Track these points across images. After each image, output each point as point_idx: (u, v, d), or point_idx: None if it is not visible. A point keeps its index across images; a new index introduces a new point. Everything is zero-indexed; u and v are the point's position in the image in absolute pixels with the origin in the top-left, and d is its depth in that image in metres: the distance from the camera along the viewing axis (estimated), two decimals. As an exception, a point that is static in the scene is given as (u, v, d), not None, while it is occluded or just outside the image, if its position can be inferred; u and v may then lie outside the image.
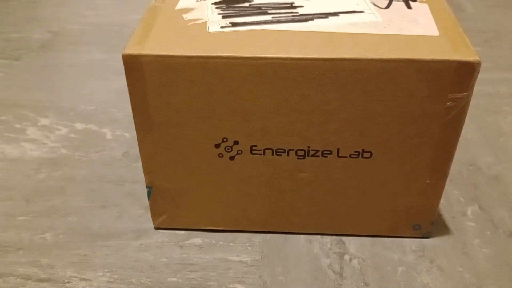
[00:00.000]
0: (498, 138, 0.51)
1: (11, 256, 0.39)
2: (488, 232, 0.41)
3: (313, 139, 0.35)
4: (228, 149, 0.36)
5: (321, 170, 0.36)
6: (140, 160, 0.48)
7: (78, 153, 0.50)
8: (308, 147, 0.35)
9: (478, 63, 0.30)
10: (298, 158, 0.36)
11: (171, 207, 0.40)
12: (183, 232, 0.41)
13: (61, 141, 0.52)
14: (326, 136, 0.34)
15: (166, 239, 0.41)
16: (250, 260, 0.39)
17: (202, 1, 0.37)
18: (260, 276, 0.38)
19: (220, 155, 0.36)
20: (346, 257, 0.39)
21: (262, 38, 0.32)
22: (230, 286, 0.37)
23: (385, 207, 0.38)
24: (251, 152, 0.36)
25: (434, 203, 0.38)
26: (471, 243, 0.40)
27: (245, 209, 0.40)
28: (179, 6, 0.37)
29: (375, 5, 0.36)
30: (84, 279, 0.37)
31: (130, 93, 0.33)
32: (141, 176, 0.47)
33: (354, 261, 0.39)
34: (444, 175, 0.36)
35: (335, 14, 0.35)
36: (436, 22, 0.34)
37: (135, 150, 0.50)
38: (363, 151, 0.35)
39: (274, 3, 0.36)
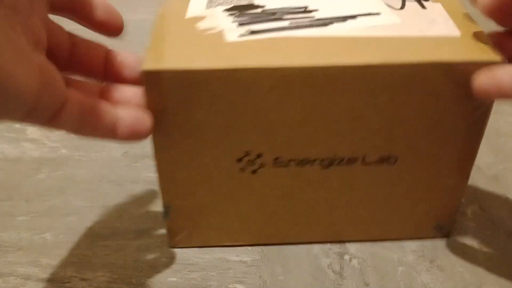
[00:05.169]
0: (498, 138, 0.51)
1: (11, 256, 0.39)
2: (488, 232, 0.41)
3: (339, 147, 0.34)
4: (251, 162, 0.34)
5: (346, 178, 0.36)
6: (140, 160, 0.48)
7: (78, 153, 0.50)
8: (334, 155, 0.34)
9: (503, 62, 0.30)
10: (322, 168, 0.35)
11: (189, 226, 0.38)
12: (183, 232, 0.41)
13: (61, 141, 0.51)
14: (352, 143, 0.34)
15: (166, 239, 0.41)
16: (250, 260, 0.39)
17: (212, 8, 0.35)
18: (260, 276, 0.38)
19: (242, 170, 0.35)
20: (346, 257, 0.39)
21: (285, 46, 0.31)
22: (230, 286, 0.37)
23: (408, 211, 0.38)
24: (274, 165, 0.35)
25: (455, 203, 0.38)
26: (471, 243, 0.40)
27: (266, 223, 0.38)
28: (189, 14, 0.35)
29: (389, 6, 0.35)
30: (84, 279, 0.37)
31: (148, 111, 0.31)
32: (141, 176, 0.47)
33: (354, 261, 0.39)
34: (467, 175, 0.36)
35: (353, 17, 0.34)
36: (454, 22, 0.34)
37: (135, 150, 0.50)
38: (388, 156, 0.34)
39: (287, 8, 0.35)
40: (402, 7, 0.35)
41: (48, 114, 0.24)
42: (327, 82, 0.31)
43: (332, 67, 0.30)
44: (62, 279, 0.37)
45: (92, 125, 0.27)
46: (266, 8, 0.35)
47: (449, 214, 0.38)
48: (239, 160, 0.34)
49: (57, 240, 0.41)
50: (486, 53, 0.31)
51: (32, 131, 0.53)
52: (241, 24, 0.33)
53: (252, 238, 0.40)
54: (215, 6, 0.35)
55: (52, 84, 0.23)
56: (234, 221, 0.38)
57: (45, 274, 0.38)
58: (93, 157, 0.49)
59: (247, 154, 0.34)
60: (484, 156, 0.49)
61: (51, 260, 0.39)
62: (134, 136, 0.30)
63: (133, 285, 0.37)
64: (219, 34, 0.32)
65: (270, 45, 0.31)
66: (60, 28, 0.30)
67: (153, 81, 0.30)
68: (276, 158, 0.34)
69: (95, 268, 0.38)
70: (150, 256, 0.39)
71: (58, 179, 0.47)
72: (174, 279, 0.37)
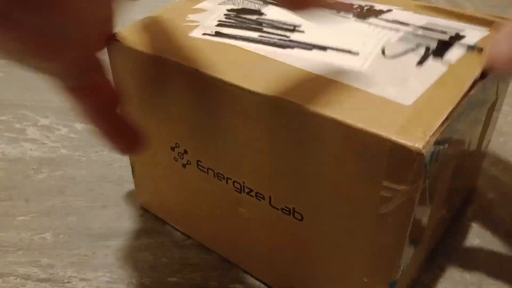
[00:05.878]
0: (498, 138, 0.51)
1: (11, 256, 0.39)
2: (488, 232, 0.41)
3: (246, 176, 0.31)
4: (180, 155, 0.34)
5: (257, 212, 0.32)
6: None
7: (78, 153, 0.50)
8: (243, 182, 0.31)
9: (419, 153, 0.22)
10: (235, 190, 0.32)
11: (149, 191, 0.41)
12: (183, 232, 0.41)
13: (61, 141, 0.52)
14: (258, 178, 0.30)
15: (166, 239, 0.41)
16: (250, 260, 0.39)
17: (222, 5, 0.35)
18: (260, 276, 0.38)
19: (175, 159, 0.35)
20: (346, 257, 0.39)
21: (222, 53, 0.30)
22: (230, 286, 0.37)
23: (329, 276, 0.31)
24: (197, 166, 0.34)
25: (394, 266, 0.28)
26: (471, 243, 0.40)
27: (197, 222, 0.38)
28: (199, 5, 0.36)
29: (382, 50, 0.30)
30: (84, 279, 0.37)
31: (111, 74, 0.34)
32: (141, 176, 0.47)
33: (354, 261, 0.39)
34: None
35: (323, 48, 0.30)
36: (428, 91, 0.26)
37: (135, 150, 0.50)
38: (293, 209, 0.30)
39: (278, 22, 0.33)
40: (395, 56, 0.29)
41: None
42: (227, 99, 0.28)
43: (229, 84, 0.27)
44: (62, 279, 0.37)
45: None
46: (262, 17, 0.34)
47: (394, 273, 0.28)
48: (172, 149, 0.35)
49: (57, 240, 0.41)
50: (405, 133, 0.23)
51: (32, 131, 0.53)
52: (220, 25, 0.33)
53: (190, 231, 0.40)
54: (227, 3, 0.36)
55: None
56: (176, 206, 0.39)
57: (45, 274, 0.38)
58: (93, 157, 0.49)
59: (176, 145, 0.34)
60: (484, 156, 0.49)
61: (51, 260, 0.39)
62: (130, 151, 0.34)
63: (133, 285, 0.37)
64: (193, 28, 0.33)
65: (212, 49, 0.30)
66: None
67: (111, 50, 0.33)
68: (198, 161, 0.34)
69: (95, 268, 0.38)
70: (150, 256, 0.39)
71: (58, 179, 0.47)
72: (174, 279, 0.37)
